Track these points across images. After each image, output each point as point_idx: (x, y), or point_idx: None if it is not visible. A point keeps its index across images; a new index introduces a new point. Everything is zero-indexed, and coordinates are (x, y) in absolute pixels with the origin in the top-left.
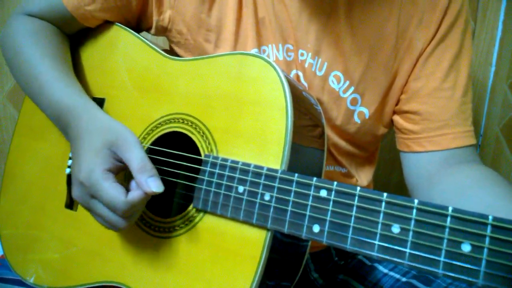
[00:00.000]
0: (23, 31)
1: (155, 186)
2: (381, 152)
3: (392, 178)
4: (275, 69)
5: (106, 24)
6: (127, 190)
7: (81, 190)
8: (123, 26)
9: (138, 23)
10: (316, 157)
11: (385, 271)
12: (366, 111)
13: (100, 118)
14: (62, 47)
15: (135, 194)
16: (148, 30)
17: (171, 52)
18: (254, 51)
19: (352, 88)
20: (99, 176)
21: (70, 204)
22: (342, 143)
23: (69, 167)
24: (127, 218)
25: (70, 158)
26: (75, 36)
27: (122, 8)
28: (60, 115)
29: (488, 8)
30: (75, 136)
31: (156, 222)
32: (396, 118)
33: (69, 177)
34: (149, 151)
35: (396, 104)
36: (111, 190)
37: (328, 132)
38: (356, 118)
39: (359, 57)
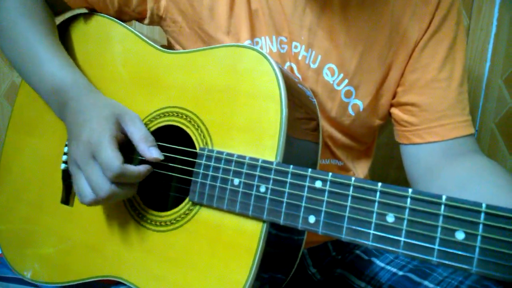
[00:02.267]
0: (15, 7)
1: (157, 153)
2: (378, 149)
3: (389, 175)
4: (269, 61)
5: (99, 18)
6: None
7: (84, 149)
8: (116, 20)
9: (128, 12)
10: (311, 149)
11: (382, 265)
12: (360, 104)
13: (103, 97)
14: (53, 24)
15: (131, 165)
16: (141, 20)
17: (168, 45)
18: (247, 42)
19: (346, 81)
20: (106, 139)
21: (66, 199)
22: (338, 135)
23: (64, 162)
24: (112, 185)
25: (65, 154)
26: (68, 30)
27: None
28: (60, 90)
29: (483, 4)
30: (78, 109)
31: (152, 216)
32: (394, 110)
33: (64, 172)
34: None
35: (393, 97)
36: (113, 152)
37: (324, 124)
38: (350, 111)
39: (353, 49)
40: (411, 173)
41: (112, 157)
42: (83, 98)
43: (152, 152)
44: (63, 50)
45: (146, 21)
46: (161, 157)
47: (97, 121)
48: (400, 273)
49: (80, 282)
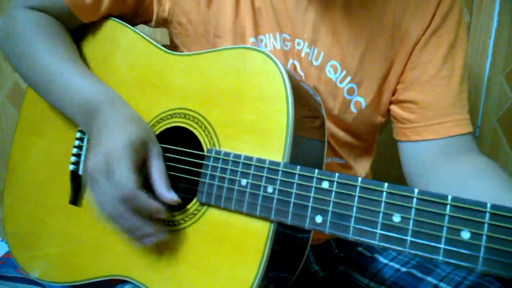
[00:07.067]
0: (30, 25)
1: (175, 195)
2: (380, 147)
3: (390, 173)
4: (275, 62)
5: (105, 20)
6: None
7: (102, 160)
8: (122, 22)
9: (135, 16)
10: (317, 148)
11: (385, 261)
12: (362, 101)
13: (133, 112)
14: (70, 40)
15: (145, 196)
16: (147, 23)
17: (171, 45)
18: (251, 40)
19: (349, 78)
20: (128, 156)
21: (74, 200)
22: (340, 133)
23: (72, 163)
24: (120, 206)
25: (73, 155)
26: (74, 33)
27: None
28: (88, 104)
29: (483, 0)
30: (105, 122)
31: None
32: (393, 107)
33: (72, 173)
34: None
35: (393, 94)
36: (130, 173)
37: (326, 122)
38: (352, 108)
39: (355, 46)
40: (408, 170)
41: (128, 178)
42: (112, 110)
43: (170, 196)
44: (84, 65)
45: (153, 24)
46: (179, 201)
47: (123, 135)
48: (403, 269)
49: (88, 281)
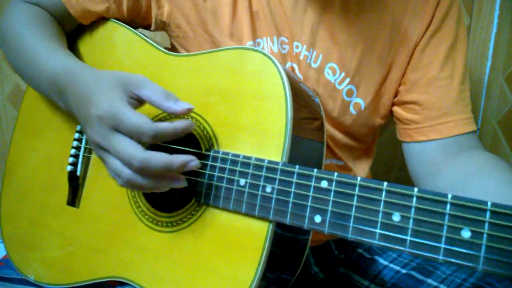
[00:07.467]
0: (22, 19)
1: (186, 104)
2: (380, 149)
3: (391, 175)
4: (274, 62)
5: (103, 21)
6: None
7: (100, 126)
8: (120, 22)
9: (133, 20)
10: (316, 150)
11: (385, 263)
12: (361, 102)
13: (100, 70)
14: (60, 33)
15: (164, 123)
16: (147, 27)
17: (172, 48)
18: (249, 44)
19: (348, 80)
20: (122, 105)
21: (72, 201)
22: (338, 135)
23: (70, 164)
24: (146, 152)
25: (71, 155)
26: (72, 34)
27: (115, 1)
28: (55, 79)
29: (483, 2)
30: (77, 91)
31: (158, 217)
32: (396, 109)
33: (70, 174)
34: (149, 147)
35: (395, 96)
36: (136, 115)
37: (325, 124)
38: (352, 110)
39: (354, 48)
40: (414, 171)
41: (141, 121)
42: (80, 77)
43: (182, 105)
44: (62, 46)
45: (152, 27)
46: (193, 107)
47: (104, 93)
48: (403, 271)
49: (86, 283)
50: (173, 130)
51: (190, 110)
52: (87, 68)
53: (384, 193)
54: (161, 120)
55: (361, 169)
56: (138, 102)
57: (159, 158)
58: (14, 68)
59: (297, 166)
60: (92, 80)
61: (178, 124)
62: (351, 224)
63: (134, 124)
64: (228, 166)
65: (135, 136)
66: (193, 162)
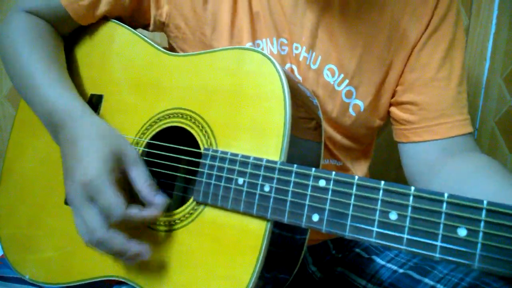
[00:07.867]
0: (20, 29)
1: (163, 199)
2: (377, 150)
3: (388, 175)
4: (273, 63)
5: (103, 21)
6: None
7: (80, 189)
8: (120, 22)
9: (132, 20)
10: (314, 150)
11: (383, 263)
12: (361, 104)
13: (98, 124)
14: (57, 48)
15: (135, 210)
16: (145, 27)
17: (170, 48)
18: (248, 45)
19: (347, 81)
20: (106, 181)
21: None
22: (337, 136)
23: None
24: (109, 230)
25: None
26: (72, 33)
27: (116, 3)
28: (53, 115)
29: (482, 3)
30: (71, 138)
31: None
32: (393, 109)
33: None
34: (148, 146)
35: (392, 96)
36: (115, 198)
37: (324, 125)
38: (351, 111)
39: (353, 49)
40: (410, 172)
41: (115, 203)
42: (77, 129)
43: (159, 199)
44: (63, 74)
45: (151, 27)
46: (168, 201)
47: (96, 160)
48: (401, 270)
49: (83, 282)
50: (141, 219)
51: (164, 207)
52: (86, 114)
53: (381, 192)
54: (155, 122)
55: (359, 170)
56: (121, 175)
57: (118, 241)
58: (9, 77)
59: (295, 165)
60: (88, 137)
61: (148, 215)
62: (348, 223)
63: (108, 205)
64: (226, 165)
65: (105, 213)
66: (146, 254)
